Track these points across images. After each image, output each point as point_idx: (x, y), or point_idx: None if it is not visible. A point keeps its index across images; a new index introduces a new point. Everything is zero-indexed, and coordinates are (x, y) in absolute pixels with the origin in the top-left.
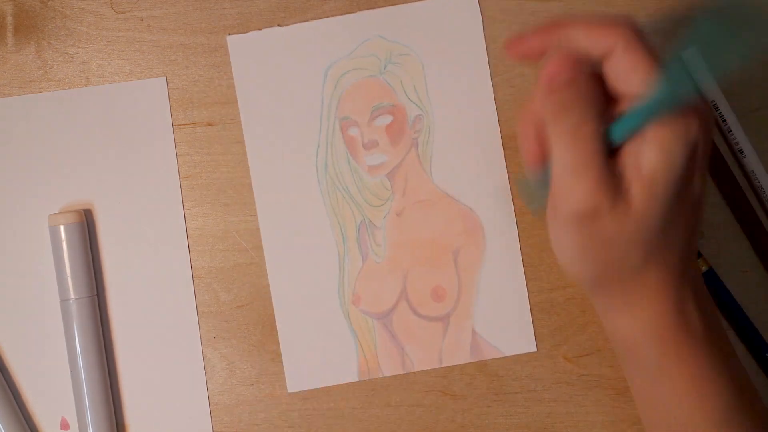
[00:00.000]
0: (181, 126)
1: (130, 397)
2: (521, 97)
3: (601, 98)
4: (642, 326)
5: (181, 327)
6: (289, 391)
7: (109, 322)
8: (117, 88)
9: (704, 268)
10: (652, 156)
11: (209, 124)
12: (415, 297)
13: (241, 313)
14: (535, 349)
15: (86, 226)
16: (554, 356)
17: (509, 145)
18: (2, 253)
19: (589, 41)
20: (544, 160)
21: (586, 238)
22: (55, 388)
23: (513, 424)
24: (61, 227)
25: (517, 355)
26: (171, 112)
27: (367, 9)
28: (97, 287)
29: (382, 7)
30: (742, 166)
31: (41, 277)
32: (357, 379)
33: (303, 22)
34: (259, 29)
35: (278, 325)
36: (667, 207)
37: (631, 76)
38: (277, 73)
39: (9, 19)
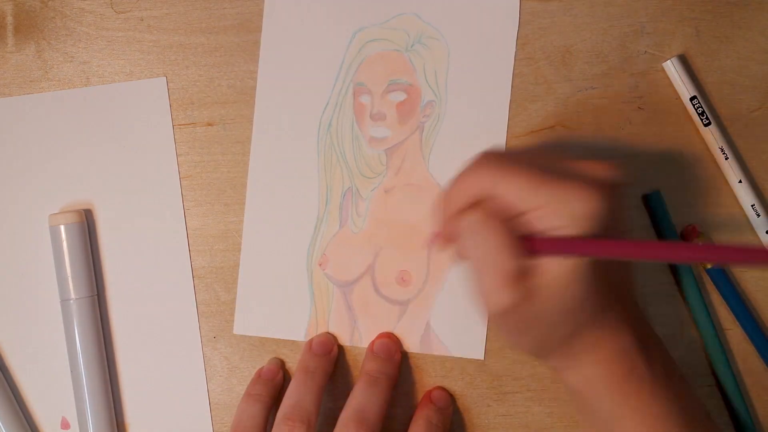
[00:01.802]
0: (181, 126)
1: (130, 397)
2: (521, 97)
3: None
4: (588, 381)
5: (181, 327)
6: (235, 332)
7: (109, 322)
8: (117, 88)
9: (710, 265)
10: (554, 239)
11: (209, 124)
12: (380, 276)
13: None
14: (482, 357)
15: (86, 226)
16: None
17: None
18: (2, 253)
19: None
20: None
21: (513, 324)
22: (55, 388)
23: (513, 424)
24: (61, 227)
25: (517, 355)
26: (171, 112)
27: None
28: (97, 287)
29: None
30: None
31: (41, 277)
32: (302, 339)
33: None
34: None
35: (241, 267)
36: (579, 284)
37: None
38: (307, 23)
39: (9, 19)
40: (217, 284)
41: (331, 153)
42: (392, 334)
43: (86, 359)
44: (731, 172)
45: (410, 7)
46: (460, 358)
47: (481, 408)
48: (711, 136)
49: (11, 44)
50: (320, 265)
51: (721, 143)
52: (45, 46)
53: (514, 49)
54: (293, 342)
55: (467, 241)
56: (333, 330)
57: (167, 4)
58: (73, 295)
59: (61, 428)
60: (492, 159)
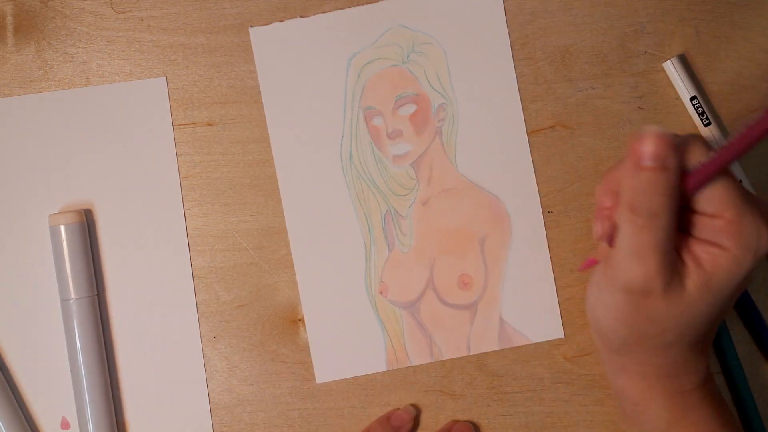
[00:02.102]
0: (181, 126)
1: (130, 397)
2: (521, 97)
3: (679, 193)
4: (652, 387)
5: (181, 327)
6: (318, 381)
7: (109, 322)
8: (117, 88)
9: None
10: (720, 257)
11: (209, 124)
12: (442, 285)
13: (241, 313)
14: (563, 336)
15: (86, 226)
16: (554, 356)
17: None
18: (2, 253)
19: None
20: (613, 232)
21: (632, 310)
22: (55, 388)
23: (513, 424)
24: (62, 227)
25: (517, 355)
26: (171, 112)
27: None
28: (97, 287)
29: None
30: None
31: (41, 277)
32: (385, 369)
33: (316, 14)
34: (281, 21)
35: (305, 317)
36: (717, 303)
37: (722, 233)
38: (300, 64)
39: (9, 19)
40: (217, 284)
41: (361, 182)
42: (470, 423)
43: (86, 359)
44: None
45: (396, 20)
46: (541, 342)
47: (481, 408)
48: (711, 136)
49: (11, 44)
50: (381, 293)
51: (721, 143)
52: (45, 46)
53: (507, 31)
54: (345, 381)
55: (635, 208)
56: (411, 351)
57: (167, 4)
58: (73, 295)
59: (61, 428)
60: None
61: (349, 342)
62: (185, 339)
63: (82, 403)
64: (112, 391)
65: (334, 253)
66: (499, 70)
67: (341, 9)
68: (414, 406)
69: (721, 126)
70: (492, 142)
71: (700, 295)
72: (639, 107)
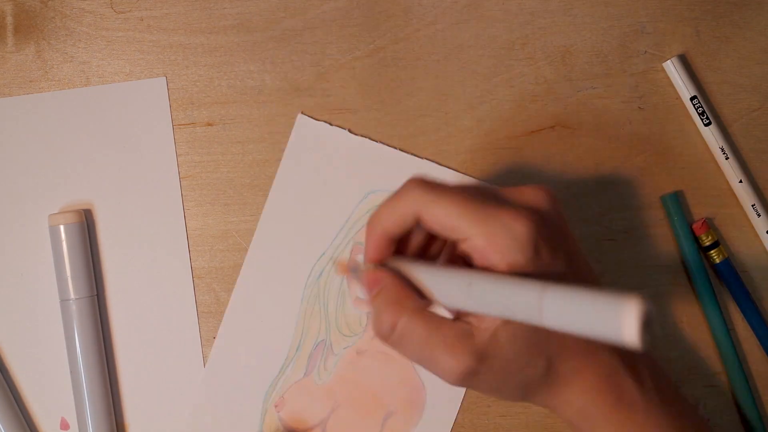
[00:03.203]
0: (181, 126)
1: (130, 397)
2: (521, 97)
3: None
4: (580, 413)
5: (181, 327)
6: None
7: (109, 322)
8: (117, 88)
9: (720, 259)
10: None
11: (209, 124)
12: None
13: None
14: None
15: (86, 226)
16: None
17: None
18: (2, 253)
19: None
20: None
21: (481, 385)
22: (55, 388)
23: (513, 424)
24: (61, 227)
25: None
26: (171, 112)
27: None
28: (97, 287)
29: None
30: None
31: (41, 277)
32: None
33: (366, 137)
34: (330, 123)
35: (203, 383)
36: (521, 328)
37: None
38: (325, 170)
39: (9, 19)
40: (217, 284)
41: (315, 302)
42: None
43: (86, 359)
44: (731, 172)
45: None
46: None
47: (482, 408)
48: (711, 136)
49: (11, 44)
50: (276, 406)
51: (721, 143)
52: (45, 46)
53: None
54: None
55: (406, 348)
56: None
57: (167, 4)
58: (72, 295)
59: (61, 429)
60: (423, 182)
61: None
62: (185, 339)
63: (81, 404)
64: (112, 392)
65: (257, 348)
66: None
67: (388, 145)
68: None
69: (721, 126)
70: None
71: (505, 341)
72: (639, 107)
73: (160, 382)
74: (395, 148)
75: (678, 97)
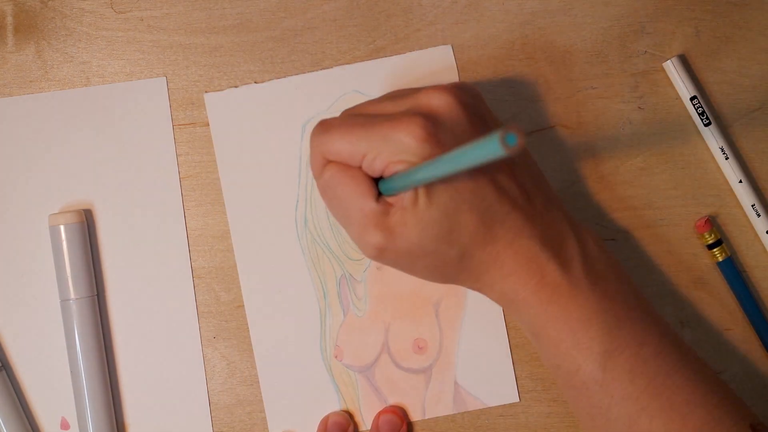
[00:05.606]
0: (181, 126)
1: (130, 397)
2: (521, 97)
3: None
4: (505, 296)
5: (181, 327)
6: None
7: (109, 322)
8: (117, 88)
9: (722, 258)
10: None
11: (209, 124)
12: (396, 350)
13: (241, 313)
14: (518, 400)
15: (86, 226)
16: None
17: None
18: (2, 253)
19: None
20: None
21: (398, 260)
22: (55, 388)
23: (513, 424)
24: (61, 227)
25: (518, 355)
26: (171, 112)
27: (340, 64)
28: (97, 287)
29: (369, 59)
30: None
31: (41, 277)
32: None
33: (280, 78)
34: (236, 86)
35: (260, 381)
36: (433, 210)
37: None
38: (255, 128)
39: (9, 19)
40: (217, 284)
41: (316, 247)
42: (396, 407)
43: (86, 359)
44: (731, 172)
45: (350, 85)
46: (497, 406)
47: (482, 408)
48: (711, 136)
49: (11, 44)
50: (336, 357)
51: (721, 143)
52: (45, 46)
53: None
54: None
55: (328, 197)
56: (366, 415)
57: (167, 4)
58: (73, 295)
59: (61, 428)
60: (317, 126)
61: (305, 406)
62: (185, 339)
63: (81, 404)
64: (112, 391)
65: (290, 318)
66: None
67: (296, 75)
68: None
69: (721, 126)
70: None
71: (410, 212)
72: (639, 107)
73: (160, 382)
74: (303, 73)
75: (678, 97)
